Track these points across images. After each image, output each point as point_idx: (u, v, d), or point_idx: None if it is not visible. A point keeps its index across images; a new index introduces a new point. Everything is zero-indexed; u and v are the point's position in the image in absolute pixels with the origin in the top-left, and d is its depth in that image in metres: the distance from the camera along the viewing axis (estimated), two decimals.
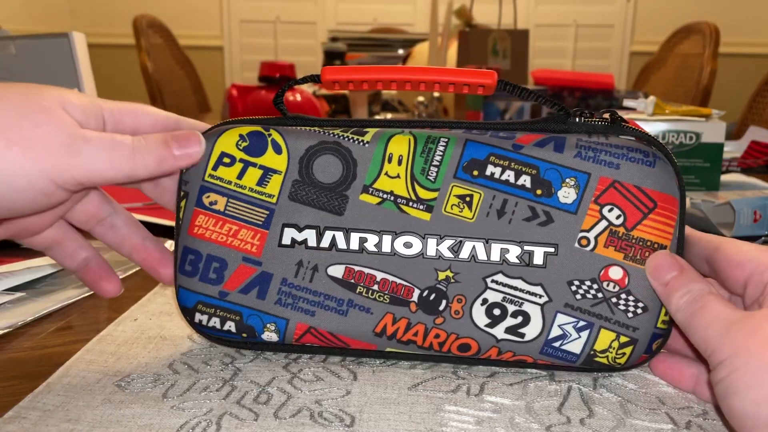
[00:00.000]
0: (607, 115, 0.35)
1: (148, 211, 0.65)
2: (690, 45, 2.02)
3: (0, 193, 0.30)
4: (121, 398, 0.33)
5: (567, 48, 3.28)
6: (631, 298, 0.34)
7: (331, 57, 1.60)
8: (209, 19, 3.32)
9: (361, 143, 0.35)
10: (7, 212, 0.31)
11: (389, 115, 1.46)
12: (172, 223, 0.39)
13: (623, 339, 0.34)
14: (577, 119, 0.35)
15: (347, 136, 0.35)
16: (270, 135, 0.36)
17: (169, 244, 0.56)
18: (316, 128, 0.36)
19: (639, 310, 0.34)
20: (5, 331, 0.41)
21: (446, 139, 0.35)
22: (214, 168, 0.36)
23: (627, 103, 0.79)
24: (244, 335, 0.36)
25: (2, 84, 0.31)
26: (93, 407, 0.32)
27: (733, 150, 1.01)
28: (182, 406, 0.32)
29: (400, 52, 1.92)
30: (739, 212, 0.58)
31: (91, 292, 0.47)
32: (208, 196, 0.36)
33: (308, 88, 1.40)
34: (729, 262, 0.33)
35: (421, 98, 1.30)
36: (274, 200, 0.35)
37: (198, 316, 0.36)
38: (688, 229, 0.35)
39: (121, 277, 0.50)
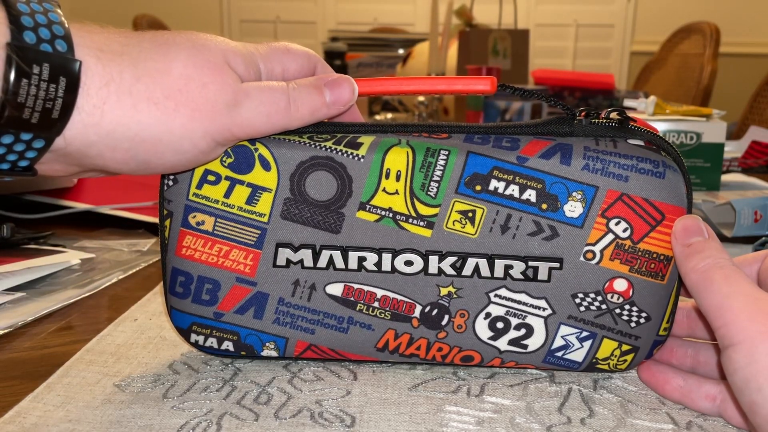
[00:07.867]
0: (615, 115, 0.34)
1: (149, 211, 0.65)
2: (690, 45, 2.02)
3: (164, 155, 0.29)
4: (121, 398, 0.33)
5: (567, 48, 3.28)
6: (634, 308, 0.33)
7: (332, 57, 1.60)
8: (209, 19, 3.31)
9: (356, 158, 0.33)
10: (166, 170, 0.31)
11: (389, 116, 1.46)
12: None
13: (625, 347, 0.34)
14: (583, 119, 0.34)
15: (340, 150, 0.33)
16: (257, 149, 0.33)
17: None
18: (306, 140, 0.33)
19: (642, 320, 0.34)
20: (5, 331, 0.41)
21: (447, 152, 0.33)
22: (198, 186, 0.33)
23: (627, 103, 0.79)
24: (243, 353, 0.36)
25: (169, 35, 0.30)
26: (93, 407, 0.32)
27: (733, 150, 1.01)
28: (182, 406, 0.32)
29: (400, 52, 1.92)
30: (739, 212, 0.58)
31: (92, 292, 0.47)
32: (195, 216, 0.34)
33: None
34: None
35: (421, 98, 1.30)
36: (265, 219, 0.34)
37: (194, 337, 0.36)
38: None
39: (120, 277, 0.51)
